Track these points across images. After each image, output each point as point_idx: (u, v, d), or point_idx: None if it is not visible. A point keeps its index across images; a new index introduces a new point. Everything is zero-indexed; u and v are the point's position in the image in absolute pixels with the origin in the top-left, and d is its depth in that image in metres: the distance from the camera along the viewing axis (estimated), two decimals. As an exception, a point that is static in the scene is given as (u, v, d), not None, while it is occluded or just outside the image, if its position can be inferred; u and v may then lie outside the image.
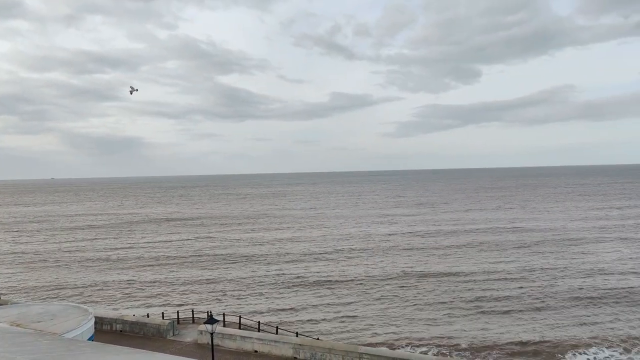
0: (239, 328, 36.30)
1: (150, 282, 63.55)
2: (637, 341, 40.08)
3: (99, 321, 35.37)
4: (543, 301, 51.32)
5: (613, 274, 62.70)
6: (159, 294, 57.41)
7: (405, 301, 51.89)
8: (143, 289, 59.94)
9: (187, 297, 55.43)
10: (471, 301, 51.40)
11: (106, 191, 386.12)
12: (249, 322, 40.03)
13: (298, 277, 63.85)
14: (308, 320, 46.20)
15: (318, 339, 34.39)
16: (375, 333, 42.51)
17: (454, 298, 52.42)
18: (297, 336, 33.19)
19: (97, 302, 54.85)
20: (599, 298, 52.09)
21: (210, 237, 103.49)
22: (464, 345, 39.53)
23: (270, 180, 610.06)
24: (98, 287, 61.35)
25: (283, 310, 49.90)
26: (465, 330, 42.88)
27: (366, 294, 55.11)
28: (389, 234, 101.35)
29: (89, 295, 57.73)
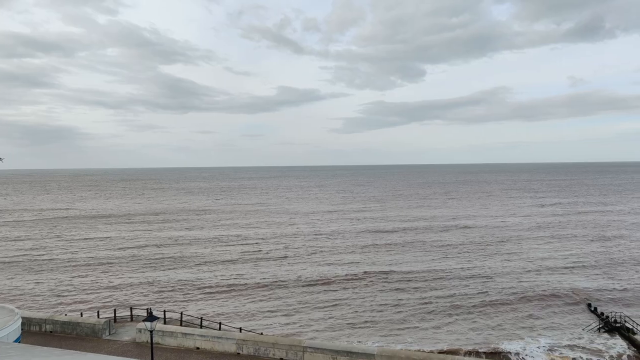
0: (181, 325, 35.26)
1: (86, 282, 60.51)
2: (560, 331, 42.82)
3: (27, 322, 33.14)
4: (482, 297, 53.62)
5: (545, 270, 66.64)
6: (95, 294, 54.75)
7: (352, 300, 52.28)
8: (78, 289, 56.94)
9: (125, 297, 53.20)
10: (415, 299, 52.74)
11: (36, 183, 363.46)
12: (191, 319, 39.00)
13: (245, 277, 62.96)
14: (251, 320, 45.62)
15: (262, 334, 34.04)
16: (320, 331, 42.65)
17: (397, 297, 53.38)
18: (240, 332, 32.66)
19: (26, 304, 51.51)
20: (531, 292, 55.16)
21: (152, 235, 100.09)
22: (409, 341, 40.57)
23: (215, 174, 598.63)
24: (28, 289, 57.64)
25: (226, 311, 49.01)
26: (408, 328, 43.98)
27: (312, 293, 54.93)
28: (337, 232, 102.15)
29: (17, 297, 54.11)
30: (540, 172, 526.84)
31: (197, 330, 31.24)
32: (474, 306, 49.09)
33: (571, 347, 38.58)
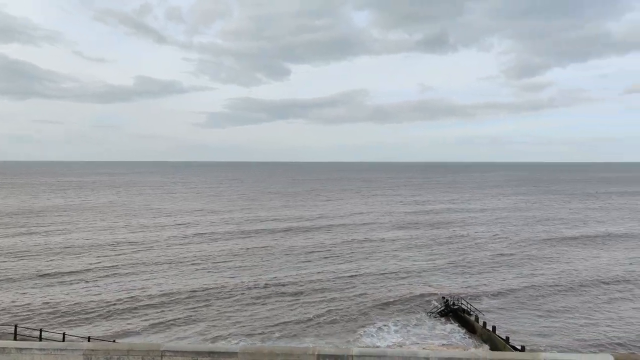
0: (15, 339, 31.03)
1: None
2: (408, 316, 47.29)
3: None
4: (345, 294, 56.46)
5: (402, 262, 72.66)
6: None
7: (217, 308, 49.86)
8: None
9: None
10: (282, 302, 53.00)
11: None
12: (28, 332, 34.56)
13: (97, 289, 56.47)
14: (103, 338, 41.88)
15: (114, 341, 31.58)
16: (179, 337, 40.88)
17: (265, 301, 52.56)
18: (89, 341, 29.87)
19: None
20: (390, 284, 59.73)
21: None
22: (277, 336, 41.04)
23: (64, 168, 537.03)
24: None
25: (71, 328, 44.34)
26: (275, 329, 44.50)
27: (175, 303, 51.23)
28: (204, 234, 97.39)
29: None
30: (396, 170, 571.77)
31: (36, 344, 27.66)
32: (337, 305, 50.51)
33: (416, 331, 42.93)
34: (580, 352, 37.38)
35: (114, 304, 48.35)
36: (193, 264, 66.94)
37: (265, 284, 57.32)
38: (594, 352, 36.16)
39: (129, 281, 57.10)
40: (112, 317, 45.08)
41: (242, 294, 53.14)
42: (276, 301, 51.15)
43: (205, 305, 48.95)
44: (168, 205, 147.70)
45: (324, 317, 46.49)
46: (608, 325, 44.70)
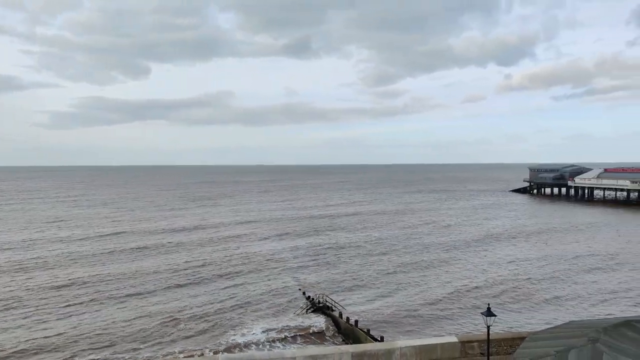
0: None
1: None
2: (275, 316, 47.98)
3: None
4: (210, 299, 55.11)
5: (272, 265, 73.14)
6: None
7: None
8: None
9: None
10: (156, 312, 50.27)
11: None
12: None
13: None
14: None
15: None
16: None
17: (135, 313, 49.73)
18: None
19: None
20: (260, 286, 59.82)
21: None
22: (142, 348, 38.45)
23: None
24: None
25: None
26: (152, 339, 41.80)
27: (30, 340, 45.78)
28: (53, 251, 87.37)
29: None
30: (267, 173, 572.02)
31: None
32: (207, 315, 48.80)
33: (284, 327, 43.90)
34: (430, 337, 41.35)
35: None
36: (45, 288, 58.11)
37: (135, 305, 52.00)
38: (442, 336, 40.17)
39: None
40: None
41: (107, 313, 48.35)
42: (144, 319, 47.01)
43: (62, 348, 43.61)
44: (9, 216, 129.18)
45: (193, 327, 44.89)
46: (459, 318, 49.06)
